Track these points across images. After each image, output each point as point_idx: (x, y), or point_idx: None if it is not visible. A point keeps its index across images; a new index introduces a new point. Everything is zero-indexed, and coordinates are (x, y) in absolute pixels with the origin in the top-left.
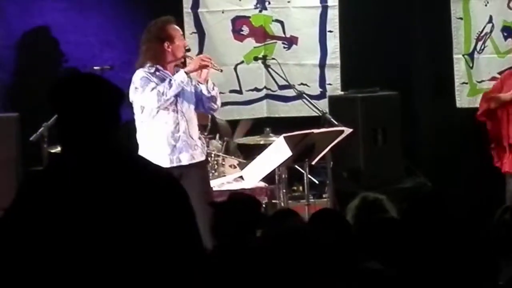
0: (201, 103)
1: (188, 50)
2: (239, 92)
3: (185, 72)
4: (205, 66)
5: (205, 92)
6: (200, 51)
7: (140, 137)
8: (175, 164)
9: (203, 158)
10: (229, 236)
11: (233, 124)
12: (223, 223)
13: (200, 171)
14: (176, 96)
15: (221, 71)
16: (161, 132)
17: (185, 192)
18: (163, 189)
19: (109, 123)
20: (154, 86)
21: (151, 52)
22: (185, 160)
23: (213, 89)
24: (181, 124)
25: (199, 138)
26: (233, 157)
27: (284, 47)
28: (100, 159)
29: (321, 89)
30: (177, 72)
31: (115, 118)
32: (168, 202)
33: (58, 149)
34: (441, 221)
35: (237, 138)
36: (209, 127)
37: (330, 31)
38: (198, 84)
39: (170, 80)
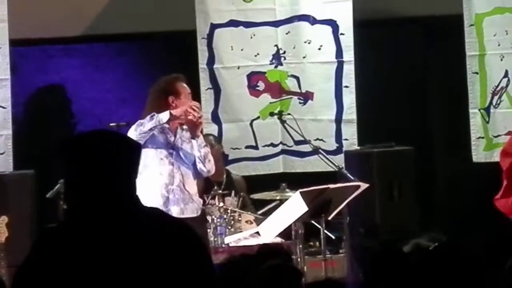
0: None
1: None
2: (255, 147)
3: (170, 113)
4: (188, 114)
5: (195, 148)
6: (216, 107)
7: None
8: None
9: (195, 214)
10: None
11: (249, 180)
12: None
13: (196, 225)
14: (174, 149)
15: (200, 117)
16: (155, 183)
17: (201, 241)
18: (181, 241)
19: (127, 177)
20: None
21: (155, 103)
22: (175, 213)
23: (203, 147)
24: (176, 177)
25: (198, 194)
26: (249, 212)
27: (300, 103)
28: (117, 213)
29: (337, 144)
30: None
31: (133, 171)
32: (187, 253)
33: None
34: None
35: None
36: (224, 183)
37: (346, 87)
38: (191, 140)
39: (153, 115)
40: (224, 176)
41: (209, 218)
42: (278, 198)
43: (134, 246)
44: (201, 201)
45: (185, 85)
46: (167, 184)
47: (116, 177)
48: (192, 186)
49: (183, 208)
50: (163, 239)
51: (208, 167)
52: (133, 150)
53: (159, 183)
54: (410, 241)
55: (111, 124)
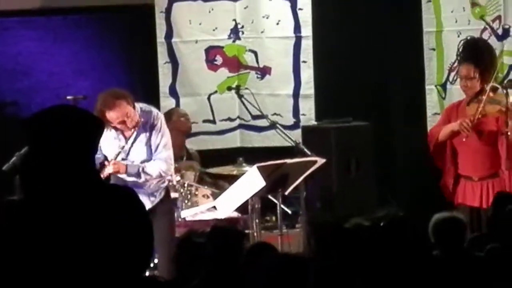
0: None
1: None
2: (213, 122)
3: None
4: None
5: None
6: (174, 81)
7: None
8: None
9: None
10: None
11: (206, 154)
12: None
13: (160, 206)
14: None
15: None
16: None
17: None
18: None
19: (87, 153)
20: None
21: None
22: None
23: (138, 175)
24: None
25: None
26: (206, 187)
27: (258, 77)
28: (76, 186)
29: (294, 119)
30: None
31: (93, 147)
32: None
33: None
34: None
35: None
36: (184, 157)
37: (304, 62)
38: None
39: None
40: (184, 150)
41: (173, 194)
42: (235, 172)
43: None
44: (165, 182)
45: (112, 113)
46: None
47: (74, 153)
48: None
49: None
50: (107, 205)
51: (152, 180)
52: (93, 125)
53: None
54: (350, 220)
55: (68, 97)
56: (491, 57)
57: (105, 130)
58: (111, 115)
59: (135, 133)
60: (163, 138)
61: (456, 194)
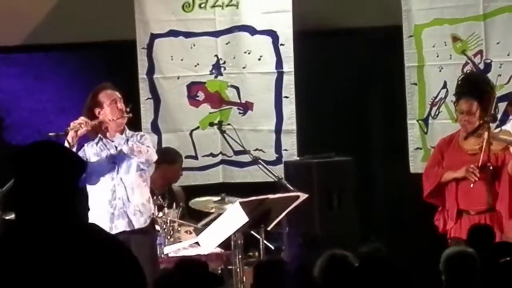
0: None
1: (128, 112)
2: (195, 157)
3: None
4: (78, 130)
5: (122, 146)
6: (156, 117)
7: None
8: (114, 232)
9: (142, 225)
10: None
11: (189, 190)
12: None
13: (144, 236)
14: (115, 163)
15: (98, 123)
16: (99, 201)
17: (134, 260)
18: (113, 258)
19: (67, 192)
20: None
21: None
22: (121, 227)
23: (124, 143)
24: (118, 191)
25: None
26: (188, 223)
27: (240, 113)
28: (55, 228)
29: (277, 155)
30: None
31: (74, 187)
32: (118, 270)
33: (13, 216)
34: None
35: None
36: (167, 194)
37: (286, 97)
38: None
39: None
40: (166, 188)
41: (158, 227)
42: (217, 207)
43: (65, 261)
44: (151, 208)
45: (109, 91)
46: (110, 200)
47: (56, 191)
48: (140, 195)
49: (129, 221)
50: (92, 254)
51: (141, 158)
52: (75, 164)
53: (102, 200)
54: (325, 252)
55: (50, 134)
56: (491, 92)
57: (90, 145)
58: (106, 92)
59: (122, 138)
60: (146, 137)
61: (452, 228)
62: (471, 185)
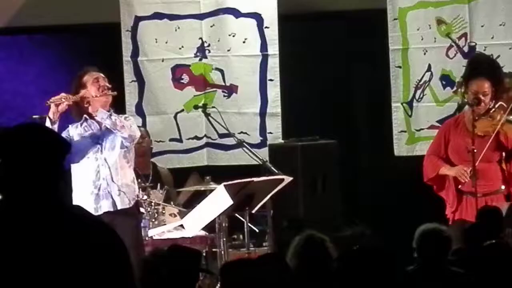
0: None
1: (110, 89)
2: (179, 140)
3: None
4: (59, 105)
5: (105, 122)
6: (140, 100)
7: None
8: (99, 212)
9: (126, 206)
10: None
11: (175, 172)
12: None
13: (128, 218)
14: (99, 143)
15: (80, 99)
16: (84, 182)
17: (120, 243)
18: (97, 239)
19: (51, 174)
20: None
21: (73, 109)
22: (106, 207)
23: (107, 118)
24: (102, 171)
25: (131, 184)
26: (173, 205)
27: (224, 96)
28: (38, 210)
29: (261, 138)
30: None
31: (58, 168)
32: (103, 254)
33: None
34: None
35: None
36: (151, 176)
37: (271, 80)
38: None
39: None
40: (151, 169)
41: (142, 209)
42: (202, 189)
43: (48, 243)
44: (136, 190)
45: (93, 72)
46: (94, 181)
47: (39, 173)
48: (124, 176)
49: (113, 202)
50: (75, 236)
51: (124, 133)
52: (58, 145)
53: (86, 181)
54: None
55: (34, 116)
56: (503, 74)
57: (75, 125)
58: (91, 73)
59: (105, 113)
60: (130, 118)
61: (456, 210)
62: (460, 186)
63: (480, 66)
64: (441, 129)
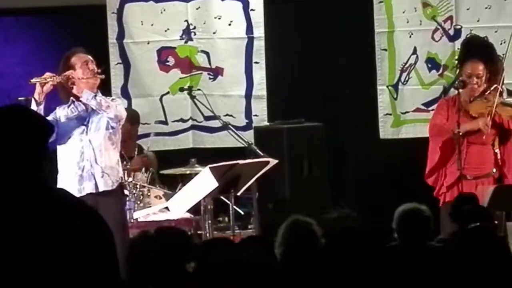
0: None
1: (99, 73)
2: (165, 123)
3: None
4: (44, 85)
5: (91, 103)
6: (126, 82)
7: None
8: (83, 194)
9: (109, 188)
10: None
11: (160, 154)
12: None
13: (112, 200)
14: (85, 125)
15: (65, 78)
16: (68, 163)
17: (103, 225)
18: (80, 221)
19: (35, 156)
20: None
21: (59, 85)
22: (88, 188)
23: (93, 98)
24: (86, 152)
25: (115, 166)
26: (158, 187)
27: (210, 78)
28: (21, 192)
29: (247, 120)
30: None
31: (42, 150)
32: (84, 236)
33: None
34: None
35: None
36: (135, 158)
37: (256, 62)
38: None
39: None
40: (136, 151)
41: (126, 192)
42: (187, 173)
43: (31, 225)
44: (120, 172)
45: (81, 54)
46: (78, 162)
47: (23, 155)
48: (108, 158)
49: (95, 183)
50: (59, 218)
51: (110, 113)
52: (43, 127)
53: (71, 162)
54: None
55: (20, 98)
56: (500, 63)
57: (62, 107)
58: (79, 55)
59: (90, 94)
60: (116, 99)
61: (448, 192)
62: (484, 137)
63: (475, 48)
64: (440, 104)
